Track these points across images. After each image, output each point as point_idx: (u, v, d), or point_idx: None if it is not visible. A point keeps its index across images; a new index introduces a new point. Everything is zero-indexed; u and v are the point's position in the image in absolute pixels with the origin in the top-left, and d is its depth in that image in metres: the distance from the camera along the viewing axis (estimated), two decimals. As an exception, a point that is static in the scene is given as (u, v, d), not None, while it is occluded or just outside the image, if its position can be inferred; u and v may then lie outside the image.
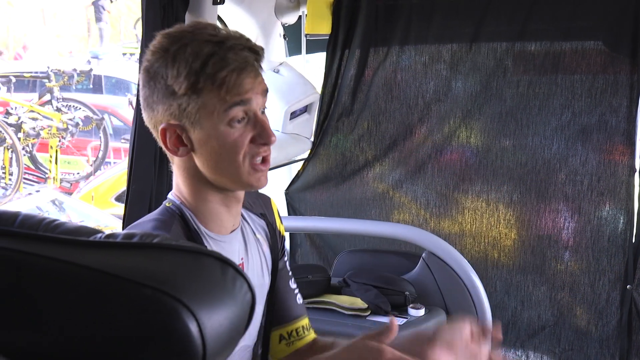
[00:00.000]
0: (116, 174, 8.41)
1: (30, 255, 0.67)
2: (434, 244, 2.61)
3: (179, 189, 1.48)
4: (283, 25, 3.29)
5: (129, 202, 2.43)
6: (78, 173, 9.55)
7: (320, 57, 3.46)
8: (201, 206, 1.46)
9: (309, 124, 3.36)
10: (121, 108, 10.69)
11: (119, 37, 16.58)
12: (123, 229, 2.44)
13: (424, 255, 2.65)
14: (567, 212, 3.07)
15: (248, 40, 1.38)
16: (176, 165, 1.47)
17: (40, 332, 0.65)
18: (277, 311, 1.64)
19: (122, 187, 8.21)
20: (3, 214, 0.71)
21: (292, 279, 1.68)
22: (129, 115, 10.51)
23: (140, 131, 2.38)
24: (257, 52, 1.38)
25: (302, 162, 3.38)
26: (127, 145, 10.00)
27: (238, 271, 0.73)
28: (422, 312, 2.63)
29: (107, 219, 7.11)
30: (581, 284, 3.07)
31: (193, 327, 0.65)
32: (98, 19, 15.32)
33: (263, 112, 1.43)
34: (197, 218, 1.46)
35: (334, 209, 3.37)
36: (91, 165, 9.52)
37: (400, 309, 2.63)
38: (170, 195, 1.50)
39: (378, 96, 3.25)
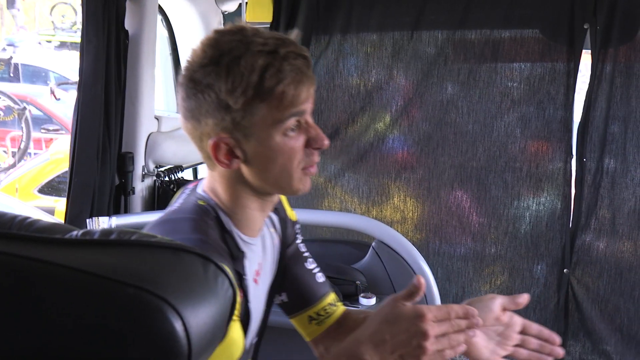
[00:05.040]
0: (38, 166, 8.17)
1: (6, 255, 0.64)
2: (384, 232, 2.61)
3: (215, 192, 1.44)
4: (223, 14, 3.25)
5: (71, 195, 2.38)
6: (-1, 165, 9.28)
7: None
8: (238, 211, 1.43)
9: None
10: (40, 97, 10.40)
11: (34, 24, 16.12)
12: (65, 222, 2.39)
13: (373, 244, 2.66)
14: (507, 198, 3.12)
15: (296, 45, 1.34)
16: (219, 173, 1.42)
17: (17, 334, 0.62)
18: (300, 295, 1.64)
19: (45, 178, 8.00)
20: (-28, 214, 0.68)
21: (309, 260, 1.66)
22: (49, 104, 10.24)
23: (81, 123, 2.33)
24: (308, 59, 1.34)
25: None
26: (48, 136, 9.75)
27: (219, 267, 0.72)
28: (373, 301, 2.64)
29: (31, 211, 6.92)
30: (520, 269, 3.13)
31: (178, 326, 0.64)
32: (10, 5, 14.76)
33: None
34: (232, 221, 1.42)
35: (275, 198, 3.34)
36: (13, 156, 9.25)
37: (351, 299, 2.62)
38: (201, 192, 1.45)
39: (320, 85, 3.23)
